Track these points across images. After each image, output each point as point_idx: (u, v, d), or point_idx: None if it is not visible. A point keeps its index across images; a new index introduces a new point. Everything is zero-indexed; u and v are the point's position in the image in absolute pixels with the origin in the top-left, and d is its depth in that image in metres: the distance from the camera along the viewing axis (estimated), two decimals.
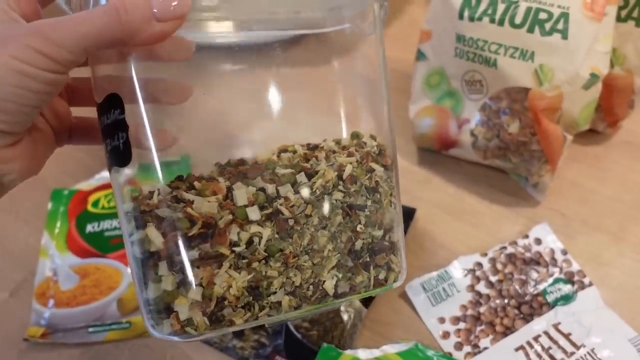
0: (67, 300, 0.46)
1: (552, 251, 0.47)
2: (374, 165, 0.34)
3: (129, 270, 0.48)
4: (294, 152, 0.33)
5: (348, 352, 0.40)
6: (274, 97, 0.37)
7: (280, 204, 0.30)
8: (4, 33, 0.26)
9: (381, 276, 0.34)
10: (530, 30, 0.44)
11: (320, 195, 0.32)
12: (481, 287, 0.45)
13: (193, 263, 0.29)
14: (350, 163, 0.33)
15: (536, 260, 0.46)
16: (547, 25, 0.44)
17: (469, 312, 0.45)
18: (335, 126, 0.36)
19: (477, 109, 0.49)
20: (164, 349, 0.45)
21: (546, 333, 0.43)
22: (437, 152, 0.54)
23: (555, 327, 0.43)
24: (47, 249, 0.50)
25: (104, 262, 0.48)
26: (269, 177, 0.31)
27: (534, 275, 0.46)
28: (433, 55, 0.50)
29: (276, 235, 0.31)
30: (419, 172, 0.54)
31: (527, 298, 0.45)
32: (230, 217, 0.29)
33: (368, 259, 0.34)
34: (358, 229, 0.33)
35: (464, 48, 0.47)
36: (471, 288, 0.45)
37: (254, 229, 0.30)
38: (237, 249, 0.29)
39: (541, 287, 0.45)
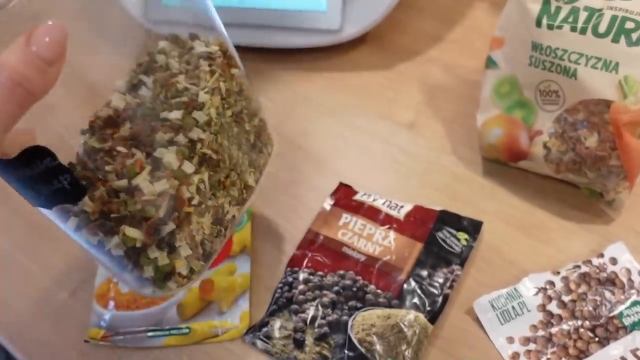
0: (127, 303, 0.46)
1: (629, 272, 0.45)
2: (233, 70, 0.37)
3: None
4: (141, 81, 0.34)
5: None
6: None
7: (200, 148, 0.33)
8: None
9: (269, 149, 0.42)
10: (615, 40, 0.42)
11: (219, 121, 0.35)
12: (553, 307, 0.43)
13: (174, 233, 0.33)
14: (221, 81, 0.36)
15: (612, 281, 0.44)
16: (634, 35, 0.41)
17: (540, 332, 0.43)
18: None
19: (551, 120, 0.47)
20: (223, 356, 0.44)
21: (624, 359, 0.41)
22: (503, 164, 0.52)
23: (634, 352, 0.41)
24: None
25: None
26: (164, 127, 0.32)
27: (609, 296, 0.43)
28: (505, 63, 0.49)
29: (211, 173, 0.34)
30: (485, 183, 0.52)
31: (602, 320, 0.42)
32: (177, 182, 0.32)
33: (260, 143, 0.40)
34: (247, 127, 0.38)
35: (541, 57, 0.45)
36: (542, 307, 0.44)
37: (196, 178, 0.33)
38: (194, 202, 0.33)
39: (617, 309, 0.43)
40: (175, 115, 0.33)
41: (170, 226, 0.32)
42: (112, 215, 0.31)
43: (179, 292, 0.35)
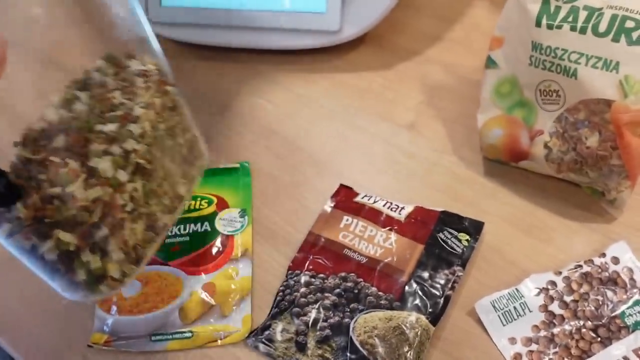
0: (130, 308, 0.46)
1: (631, 271, 0.44)
2: (168, 87, 0.39)
3: (189, 279, 0.48)
4: (75, 97, 0.36)
5: None
6: None
7: (135, 158, 0.35)
8: None
9: (201, 162, 0.43)
10: (616, 39, 0.42)
11: (153, 134, 0.37)
12: (555, 307, 0.43)
13: (107, 237, 0.34)
14: (155, 97, 0.38)
15: (614, 280, 0.44)
16: (635, 34, 0.41)
17: (542, 333, 0.43)
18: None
19: (552, 120, 0.46)
20: None
21: (626, 359, 0.40)
22: (505, 164, 0.52)
23: (636, 352, 0.41)
24: None
25: (165, 269, 0.48)
26: (99, 138, 0.34)
27: (612, 296, 0.43)
28: (505, 63, 0.48)
29: (145, 182, 0.36)
30: (486, 184, 0.52)
31: (605, 320, 0.42)
32: (111, 190, 0.34)
33: (192, 157, 0.42)
34: (180, 141, 0.40)
35: (541, 57, 0.45)
36: (544, 308, 0.43)
37: (130, 187, 0.35)
38: (127, 208, 0.35)
39: (619, 309, 0.43)
40: (111, 127, 0.35)
41: (104, 231, 0.34)
42: (46, 221, 0.33)
43: (109, 294, 0.37)
